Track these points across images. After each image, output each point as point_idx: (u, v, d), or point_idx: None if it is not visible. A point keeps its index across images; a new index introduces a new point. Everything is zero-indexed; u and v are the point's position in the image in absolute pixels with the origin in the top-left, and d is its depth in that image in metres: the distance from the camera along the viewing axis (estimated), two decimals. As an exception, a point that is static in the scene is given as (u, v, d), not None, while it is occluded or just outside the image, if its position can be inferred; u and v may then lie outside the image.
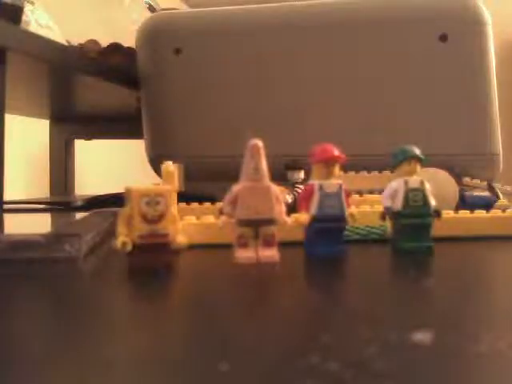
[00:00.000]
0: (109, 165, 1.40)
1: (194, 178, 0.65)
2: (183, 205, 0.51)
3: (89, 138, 1.14)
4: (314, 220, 0.35)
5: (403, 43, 0.72)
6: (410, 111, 0.72)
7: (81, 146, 1.16)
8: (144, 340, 0.20)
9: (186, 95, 0.77)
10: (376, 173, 0.59)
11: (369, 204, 0.44)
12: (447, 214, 0.41)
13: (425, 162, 0.36)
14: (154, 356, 0.18)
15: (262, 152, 0.33)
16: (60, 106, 1.01)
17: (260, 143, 0.33)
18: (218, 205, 0.50)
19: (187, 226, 0.38)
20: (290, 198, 0.49)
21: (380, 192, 0.39)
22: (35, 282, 0.30)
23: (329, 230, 0.35)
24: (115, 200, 0.44)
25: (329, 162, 0.35)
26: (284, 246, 0.34)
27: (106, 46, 0.85)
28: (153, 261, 0.32)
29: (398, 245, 0.36)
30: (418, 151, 0.36)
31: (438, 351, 0.18)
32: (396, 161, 0.37)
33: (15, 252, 0.34)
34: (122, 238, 0.32)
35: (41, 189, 1.12)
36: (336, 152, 0.35)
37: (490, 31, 0.70)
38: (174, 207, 0.33)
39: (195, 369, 0.17)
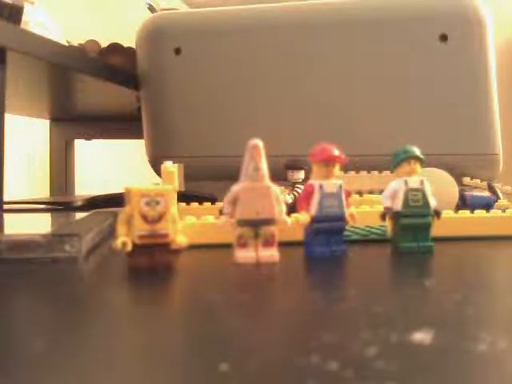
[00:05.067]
0: (109, 165, 1.40)
1: (194, 178, 0.65)
2: (183, 205, 0.51)
3: (89, 138, 1.14)
4: (314, 220, 0.35)
5: (403, 43, 0.72)
6: (409, 111, 0.72)
7: (81, 146, 1.16)
8: (144, 340, 0.20)
9: (185, 95, 0.77)
10: (376, 173, 0.59)
11: (369, 204, 0.44)
12: (447, 214, 0.41)
13: (425, 162, 0.36)
14: (154, 356, 0.18)
15: (262, 152, 0.33)
16: (60, 106, 1.01)
17: (260, 143, 0.33)
18: (218, 205, 0.50)
19: (187, 226, 0.38)
20: (290, 198, 0.49)
21: (380, 192, 0.38)
22: (35, 281, 0.30)
23: (329, 230, 0.35)
24: (115, 200, 0.44)
25: (329, 162, 0.35)
26: (284, 245, 0.34)
27: (106, 45, 0.85)
28: (153, 261, 0.32)
29: (398, 245, 0.36)
30: (418, 151, 0.36)
31: (438, 351, 0.18)
32: (396, 161, 0.37)
33: (15, 252, 0.34)
34: (122, 238, 0.32)
35: (41, 189, 1.12)
36: (336, 152, 0.35)
37: (491, 31, 0.70)
38: (174, 207, 0.33)
39: (195, 369, 0.17)
